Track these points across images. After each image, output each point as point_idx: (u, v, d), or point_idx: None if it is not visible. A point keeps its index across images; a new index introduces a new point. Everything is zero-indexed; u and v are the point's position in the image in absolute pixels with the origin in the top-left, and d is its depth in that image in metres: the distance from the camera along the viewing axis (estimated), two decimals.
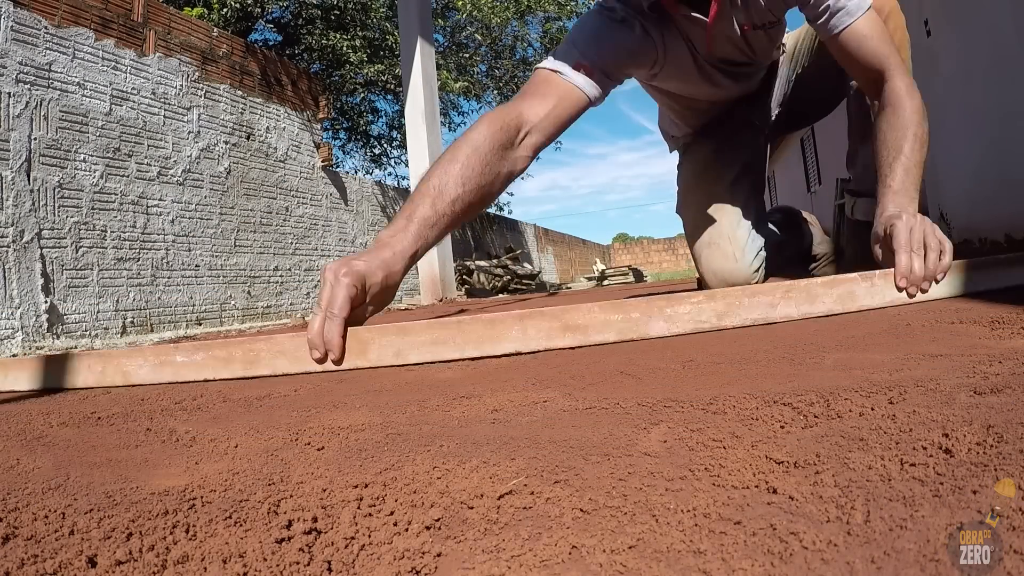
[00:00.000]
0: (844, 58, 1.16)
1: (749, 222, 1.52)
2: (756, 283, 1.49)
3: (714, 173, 1.58)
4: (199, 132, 3.86)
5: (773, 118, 1.62)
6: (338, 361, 0.83)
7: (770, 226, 1.68)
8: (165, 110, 3.63)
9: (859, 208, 1.51)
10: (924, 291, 0.89)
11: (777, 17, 1.31)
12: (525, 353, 0.87)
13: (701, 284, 1.63)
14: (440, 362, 0.83)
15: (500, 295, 6.09)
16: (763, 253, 1.53)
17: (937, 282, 0.90)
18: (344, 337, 0.82)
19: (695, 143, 1.68)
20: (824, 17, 1.14)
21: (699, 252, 1.57)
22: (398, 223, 0.95)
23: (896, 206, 0.98)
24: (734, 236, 1.49)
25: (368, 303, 0.88)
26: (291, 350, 0.86)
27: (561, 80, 1.19)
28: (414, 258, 0.95)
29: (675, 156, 1.78)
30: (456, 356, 0.85)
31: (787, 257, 1.77)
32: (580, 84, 1.20)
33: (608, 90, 1.26)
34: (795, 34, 1.55)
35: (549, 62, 1.23)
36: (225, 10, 5.92)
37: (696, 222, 1.57)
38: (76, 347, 2.60)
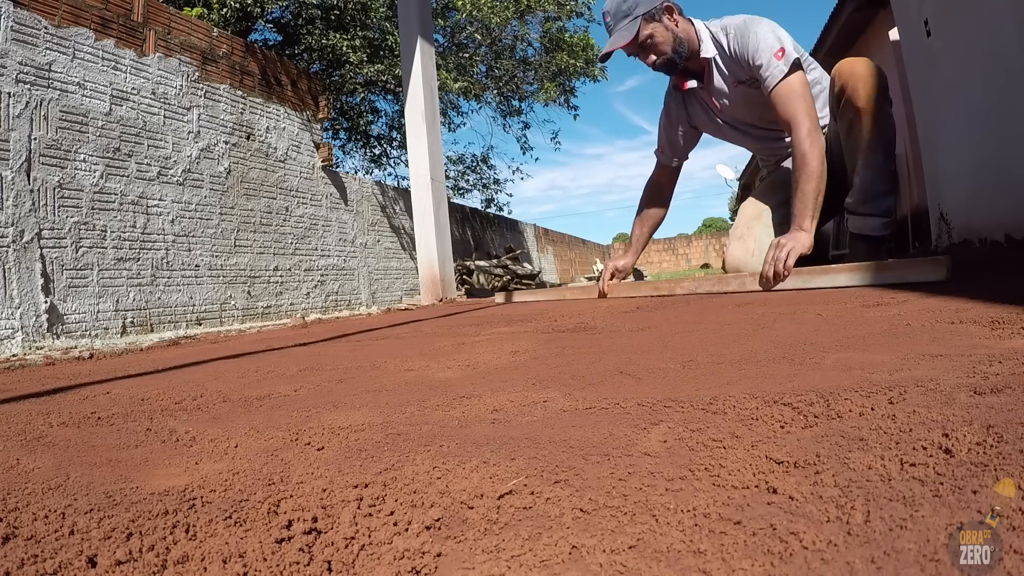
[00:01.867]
0: (771, 110, 1.75)
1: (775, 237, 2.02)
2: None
3: (766, 194, 2.14)
4: (199, 132, 3.86)
5: None
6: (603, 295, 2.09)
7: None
8: (165, 110, 3.63)
9: (852, 223, 1.87)
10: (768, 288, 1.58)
11: (749, 76, 1.83)
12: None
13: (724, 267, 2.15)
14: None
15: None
16: None
17: (781, 279, 1.56)
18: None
19: (770, 174, 2.29)
20: (763, 82, 1.74)
21: (729, 240, 2.11)
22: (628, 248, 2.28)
23: (791, 229, 1.62)
24: (758, 240, 1.96)
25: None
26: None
27: (659, 163, 2.27)
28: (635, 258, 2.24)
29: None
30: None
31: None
32: (665, 162, 2.25)
33: (681, 153, 2.23)
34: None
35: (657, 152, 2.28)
36: (225, 10, 5.92)
37: (739, 221, 2.11)
38: (76, 347, 2.60)
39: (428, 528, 0.34)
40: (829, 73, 1.92)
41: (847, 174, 1.97)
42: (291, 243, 4.62)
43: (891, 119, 1.78)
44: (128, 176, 3.35)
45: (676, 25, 1.87)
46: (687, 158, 2.28)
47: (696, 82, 2.00)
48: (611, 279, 2.15)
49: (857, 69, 1.74)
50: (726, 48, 1.87)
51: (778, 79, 1.69)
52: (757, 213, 2.05)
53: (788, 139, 1.93)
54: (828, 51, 5.89)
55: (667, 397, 0.53)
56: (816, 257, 2.12)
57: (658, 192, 2.25)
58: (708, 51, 1.89)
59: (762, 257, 1.85)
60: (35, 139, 2.88)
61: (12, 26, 2.83)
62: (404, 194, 6.27)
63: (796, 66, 1.70)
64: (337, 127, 9.09)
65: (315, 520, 0.35)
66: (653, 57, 1.89)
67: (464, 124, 18.14)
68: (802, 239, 1.57)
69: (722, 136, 2.19)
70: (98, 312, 3.09)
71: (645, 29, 1.84)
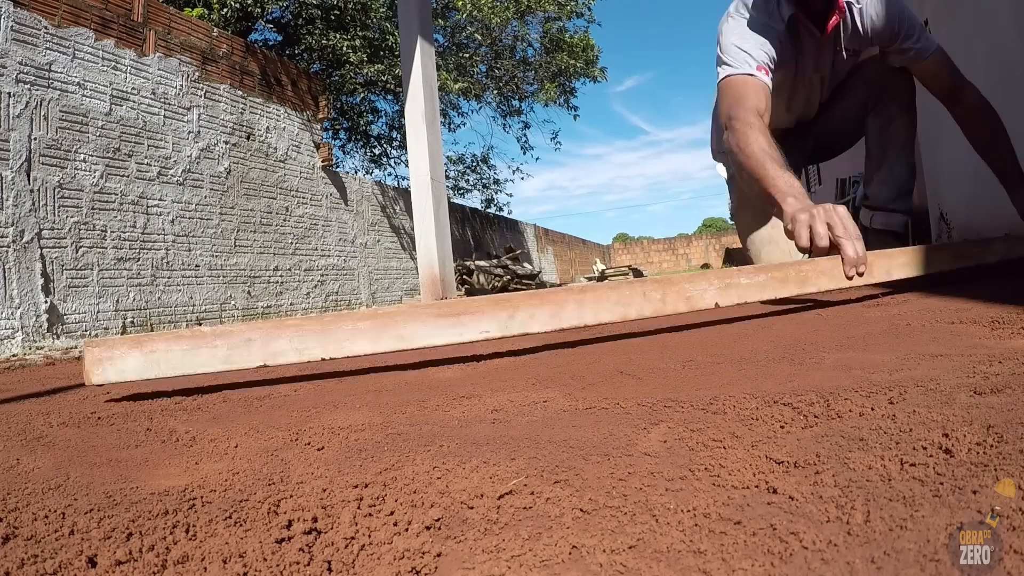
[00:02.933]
0: (929, 79, 1.63)
1: None
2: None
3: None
4: (199, 132, 3.86)
5: (811, 144, 1.97)
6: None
7: None
8: (165, 110, 3.63)
9: (877, 220, 1.75)
10: None
11: (873, 44, 1.63)
12: None
13: (750, 256, 1.89)
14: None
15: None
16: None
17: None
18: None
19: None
20: (912, 53, 1.58)
21: (758, 248, 1.85)
22: (783, 179, 1.29)
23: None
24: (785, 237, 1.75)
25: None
26: (829, 270, 1.04)
27: (758, 82, 1.57)
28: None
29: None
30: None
31: None
32: (767, 81, 1.57)
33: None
34: None
35: (744, 67, 1.59)
36: (225, 10, 5.92)
37: (753, 224, 1.85)
38: (76, 347, 2.60)
39: (428, 528, 0.34)
40: None
41: (838, 143, 1.97)
42: (291, 243, 4.62)
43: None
44: (128, 176, 3.35)
45: None
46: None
47: (817, 30, 1.62)
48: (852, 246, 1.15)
49: (900, 68, 1.70)
50: (860, 10, 1.60)
51: (933, 48, 1.61)
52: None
53: (869, 126, 1.79)
54: None
55: (667, 397, 0.53)
56: None
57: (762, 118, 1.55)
58: None
59: (799, 258, 1.79)
60: (35, 139, 2.88)
61: (12, 26, 2.83)
62: (404, 194, 6.26)
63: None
64: (337, 127, 9.09)
65: (315, 520, 0.35)
66: None
67: (464, 124, 18.15)
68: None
69: (786, 91, 1.78)
70: (98, 312, 3.09)
71: None
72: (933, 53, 1.60)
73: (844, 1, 1.58)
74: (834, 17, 1.58)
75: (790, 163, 1.80)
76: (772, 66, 1.57)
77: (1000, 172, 1.64)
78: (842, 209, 1.11)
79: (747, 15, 1.62)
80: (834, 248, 1.07)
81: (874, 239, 1.74)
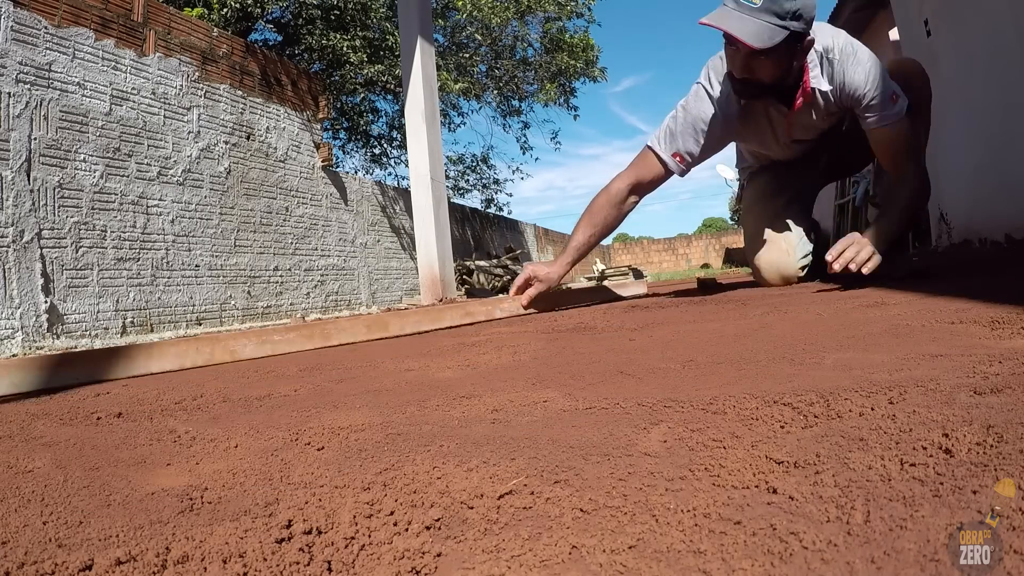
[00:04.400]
0: (877, 146, 1.64)
1: (800, 230, 1.92)
2: (801, 277, 1.90)
3: (772, 194, 2.01)
4: (199, 132, 3.86)
5: (825, 159, 2.02)
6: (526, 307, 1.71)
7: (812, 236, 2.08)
8: (165, 110, 3.63)
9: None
10: (848, 270, 1.41)
11: (843, 107, 1.66)
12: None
13: (756, 276, 1.99)
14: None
15: (500, 295, 6.09)
16: (810, 257, 1.92)
17: (851, 271, 1.41)
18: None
19: (761, 171, 2.10)
20: (870, 121, 1.60)
21: (752, 244, 1.98)
22: (571, 244, 1.76)
23: (866, 233, 1.49)
24: (787, 239, 1.89)
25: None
26: (348, 327, 1.39)
27: (658, 166, 1.78)
28: (570, 267, 1.76)
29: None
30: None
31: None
32: (673, 168, 1.77)
33: (697, 164, 1.80)
34: None
35: (655, 143, 1.78)
36: (225, 10, 5.92)
37: (757, 228, 1.97)
38: (76, 347, 2.60)
39: (428, 528, 0.34)
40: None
41: (857, 160, 2.02)
42: (291, 243, 4.62)
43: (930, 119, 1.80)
44: (128, 176, 3.35)
45: (800, 58, 1.57)
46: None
47: (784, 106, 1.69)
48: (524, 288, 1.70)
49: (916, 77, 1.70)
50: (829, 76, 1.61)
51: (891, 120, 1.57)
52: (775, 212, 1.95)
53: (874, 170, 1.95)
54: None
55: (667, 397, 0.53)
56: (816, 256, 2.10)
57: (631, 196, 1.77)
58: (819, 82, 1.61)
59: (798, 256, 1.86)
60: (35, 139, 2.88)
61: (12, 26, 2.83)
62: (404, 194, 6.26)
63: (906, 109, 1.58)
64: (337, 127, 9.09)
65: (315, 520, 0.35)
66: (757, 76, 1.56)
67: (464, 124, 18.15)
68: (877, 256, 1.44)
69: (763, 151, 1.98)
70: (98, 312, 3.09)
71: (782, 46, 1.46)
72: (890, 125, 1.58)
73: (811, 87, 1.63)
74: (799, 100, 1.66)
75: (803, 184, 2.02)
76: (691, 159, 1.76)
77: (880, 215, 1.64)
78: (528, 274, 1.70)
79: (702, 100, 1.74)
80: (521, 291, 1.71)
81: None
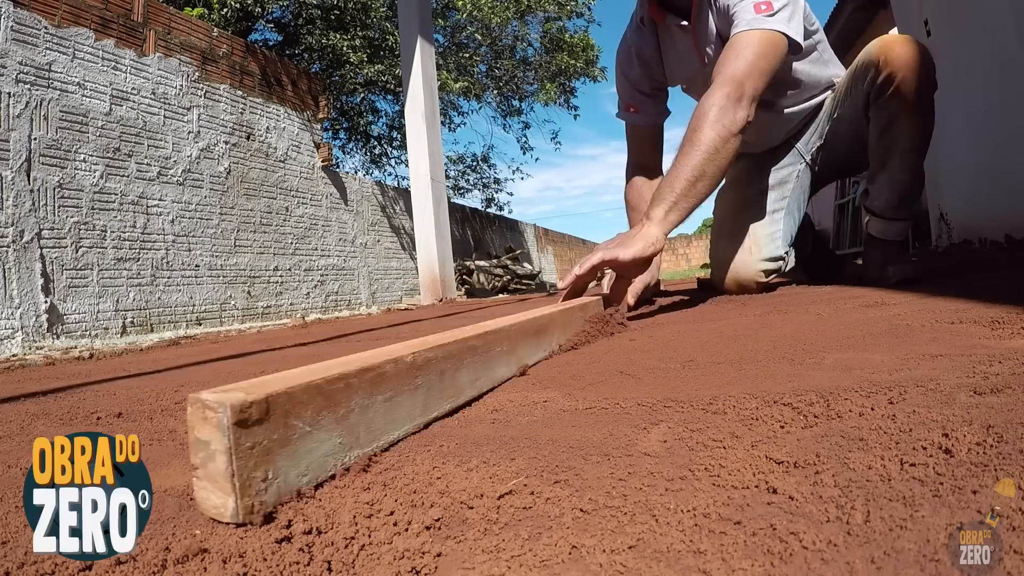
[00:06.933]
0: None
1: (775, 228, 1.61)
2: (763, 281, 1.57)
3: (746, 180, 1.74)
4: (199, 132, 3.86)
5: (817, 147, 1.73)
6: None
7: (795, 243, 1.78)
8: (165, 110, 3.63)
9: (872, 225, 1.58)
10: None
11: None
12: None
13: (712, 277, 1.73)
14: None
15: (500, 295, 6.09)
16: (780, 263, 1.60)
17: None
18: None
19: (740, 158, 1.82)
20: (731, 17, 1.34)
21: (716, 242, 1.69)
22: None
23: (640, 221, 1.25)
24: (753, 232, 1.60)
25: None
26: None
27: (634, 128, 1.70)
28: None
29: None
30: None
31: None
32: (638, 120, 1.69)
33: (661, 100, 1.68)
34: (843, 77, 1.65)
35: (620, 110, 1.71)
36: (225, 10, 5.92)
37: (722, 217, 1.73)
38: (76, 347, 2.60)
39: (428, 528, 0.34)
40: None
41: (857, 155, 1.63)
42: (291, 243, 4.62)
43: (934, 114, 1.45)
44: (128, 176, 3.35)
45: None
46: (668, 114, 1.72)
47: (680, 18, 1.51)
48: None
49: (909, 56, 1.36)
50: None
51: (739, 28, 1.30)
52: (743, 202, 1.68)
53: (788, 106, 1.64)
54: None
55: (667, 397, 0.53)
56: (816, 257, 2.07)
57: (646, 169, 1.67)
58: None
59: (763, 256, 1.56)
60: (35, 139, 2.88)
61: (12, 26, 2.83)
62: (404, 194, 6.26)
63: (779, 24, 1.29)
64: (337, 127, 9.09)
65: (315, 520, 0.35)
66: None
67: (464, 124, 18.14)
68: (650, 234, 1.17)
69: (695, 95, 1.69)
70: (98, 312, 3.09)
71: None
72: (742, 32, 1.29)
73: None
74: (693, 7, 1.47)
75: (788, 175, 1.76)
76: (642, 90, 1.66)
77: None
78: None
79: (621, 45, 1.68)
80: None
81: (868, 245, 1.61)
